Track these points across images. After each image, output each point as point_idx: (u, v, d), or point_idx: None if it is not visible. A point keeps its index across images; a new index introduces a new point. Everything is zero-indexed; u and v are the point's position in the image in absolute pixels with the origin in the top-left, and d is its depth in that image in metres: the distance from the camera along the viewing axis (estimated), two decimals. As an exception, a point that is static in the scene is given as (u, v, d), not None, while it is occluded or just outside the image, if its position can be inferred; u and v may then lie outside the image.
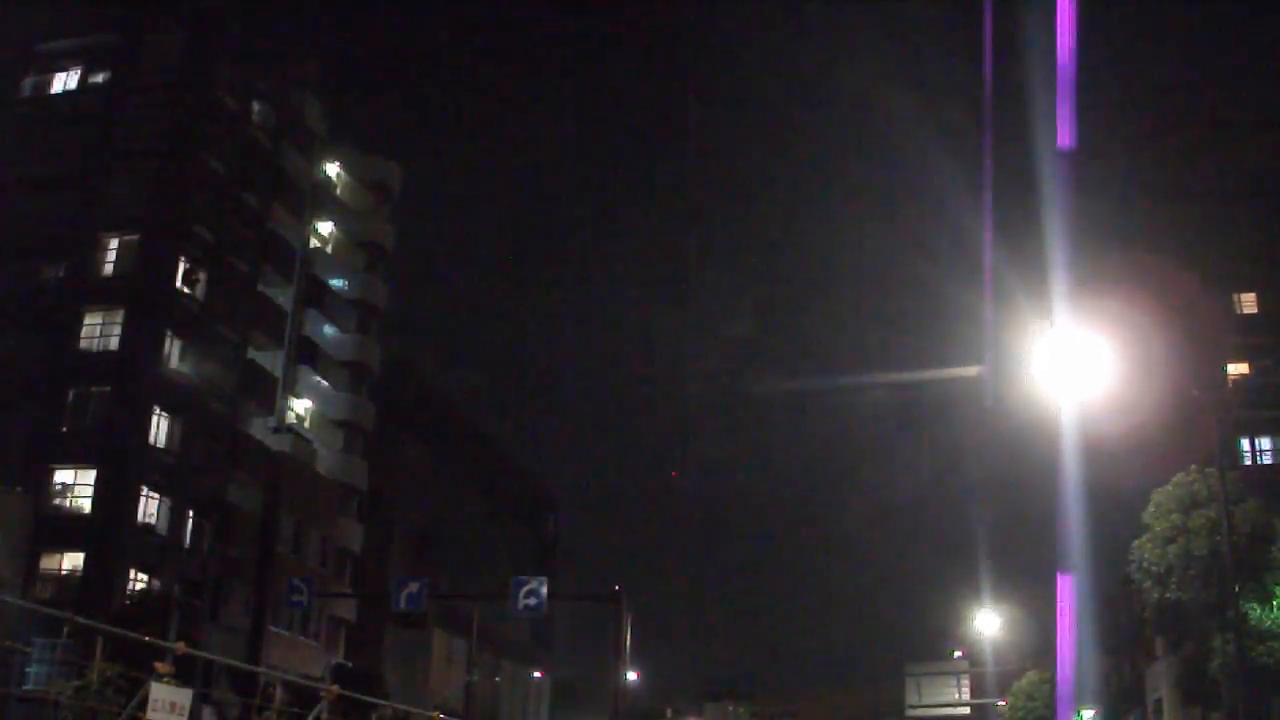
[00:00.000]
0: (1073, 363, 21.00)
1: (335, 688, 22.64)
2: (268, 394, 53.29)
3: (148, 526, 44.21)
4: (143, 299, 45.98)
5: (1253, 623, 31.48)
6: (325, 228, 60.77)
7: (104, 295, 46.29)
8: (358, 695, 26.25)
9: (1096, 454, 39.25)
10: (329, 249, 60.62)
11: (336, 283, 61.03)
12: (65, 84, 50.60)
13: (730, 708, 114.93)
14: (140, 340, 45.42)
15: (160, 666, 14.96)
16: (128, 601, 40.43)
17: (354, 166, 63.04)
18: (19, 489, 39.49)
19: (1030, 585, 58.29)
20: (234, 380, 50.15)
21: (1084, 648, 43.82)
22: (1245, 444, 46.68)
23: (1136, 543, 35.03)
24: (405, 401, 66.05)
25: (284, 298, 55.41)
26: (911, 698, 54.15)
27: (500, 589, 42.51)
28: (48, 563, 41.78)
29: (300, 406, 57.47)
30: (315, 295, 58.49)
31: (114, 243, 47.15)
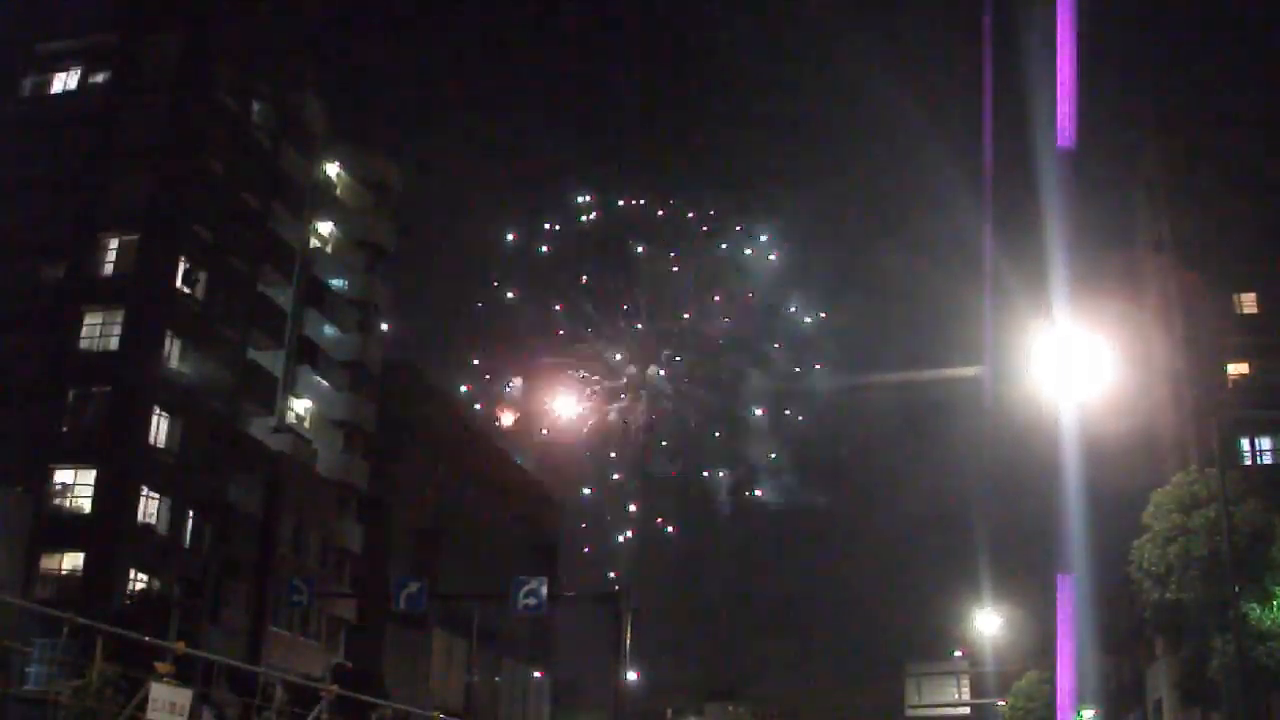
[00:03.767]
0: (1073, 363, 21.00)
1: (335, 688, 22.65)
2: (268, 394, 53.28)
3: (148, 526, 44.20)
4: (143, 299, 45.97)
5: (1253, 623, 31.48)
6: (325, 228, 60.77)
7: (104, 295, 46.28)
8: (358, 695, 26.25)
9: (1096, 454, 39.26)
10: (329, 249, 60.62)
11: (336, 283, 61.01)
12: (65, 84, 50.59)
13: (730, 708, 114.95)
14: (140, 340, 45.41)
15: (160, 666, 14.98)
16: (128, 601, 40.41)
17: (354, 166, 63.03)
18: (19, 489, 39.45)
19: (1030, 585, 58.26)
20: (234, 380, 50.14)
21: (1084, 648, 43.79)
22: (1245, 444, 46.63)
23: (1136, 543, 35.03)
24: (405, 401, 66.02)
25: (284, 298, 55.39)
26: (911, 698, 54.12)
27: (500, 589, 42.51)
28: (48, 563, 41.77)
29: (300, 406, 57.46)
30: (315, 295, 58.46)
31: (114, 243, 47.14)
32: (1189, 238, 49.26)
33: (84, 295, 46.21)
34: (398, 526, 63.41)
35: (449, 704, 54.50)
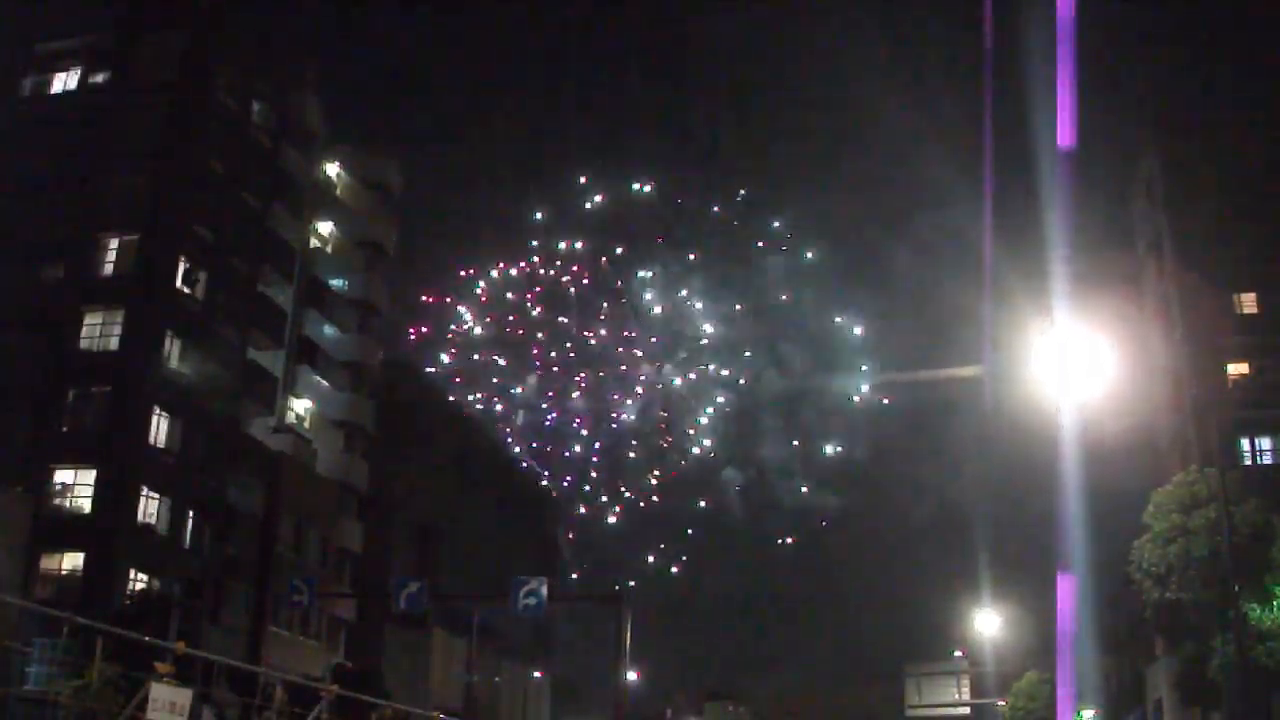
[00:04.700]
0: (1073, 363, 21.00)
1: (335, 688, 22.65)
2: (268, 394, 53.27)
3: (148, 526, 44.18)
4: (143, 299, 45.96)
5: (1253, 623, 31.49)
6: (325, 228, 60.77)
7: (104, 295, 46.26)
8: (358, 695, 26.25)
9: (1096, 454, 39.27)
10: (329, 249, 60.62)
11: (336, 283, 61.02)
12: (65, 84, 50.57)
13: (730, 708, 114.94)
14: (140, 340, 45.39)
15: (160, 666, 14.97)
16: (128, 601, 40.39)
17: (354, 166, 63.03)
18: (19, 489, 39.44)
19: (1030, 585, 58.25)
20: (234, 380, 50.13)
21: (1084, 648, 43.79)
22: (1245, 444, 46.62)
23: (1137, 543, 35.05)
24: (405, 401, 66.02)
25: (284, 298, 55.39)
26: (911, 698, 54.21)
27: (500, 589, 42.49)
28: (48, 563, 41.73)
29: (300, 406, 57.46)
30: (315, 295, 58.47)
31: (114, 243, 47.12)
32: (1189, 238, 49.23)
33: (84, 295, 46.18)
34: (398, 526, 63.40)
35: (449, 704, 54.48)
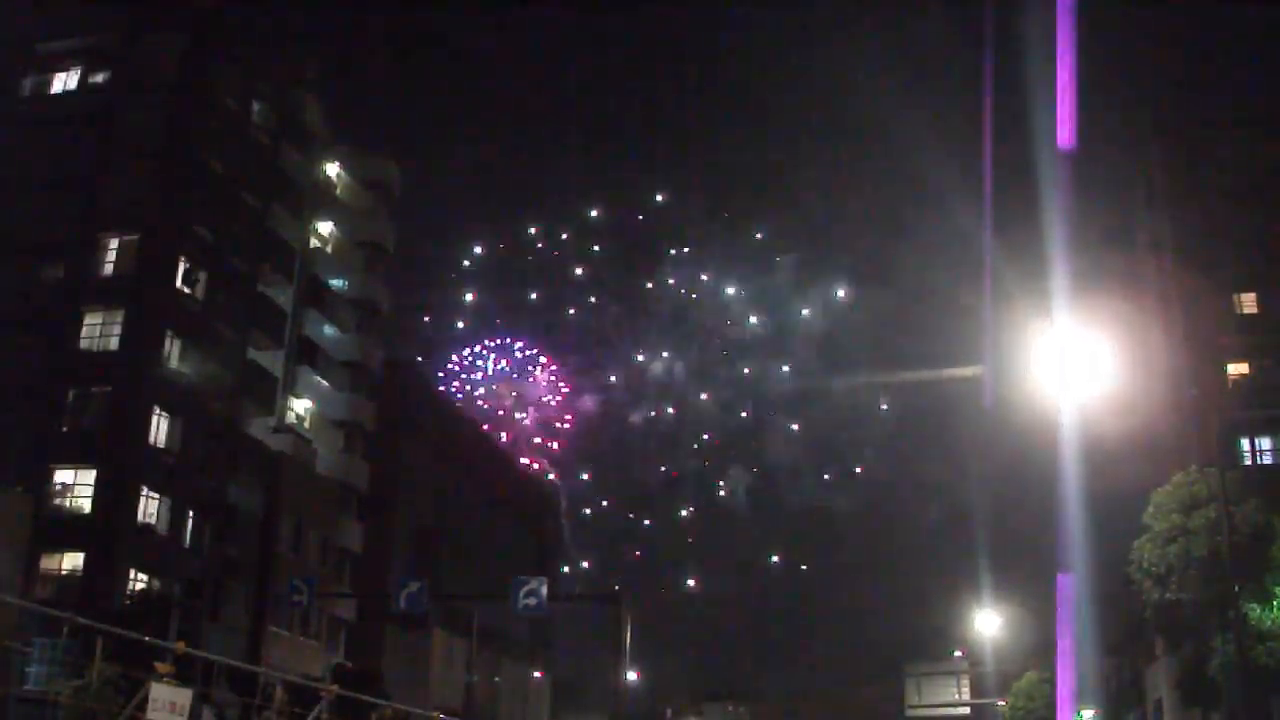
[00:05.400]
0: (1073, 363, 21.03)
1: (335, 688, 22.66)
2: (268, 394, 53.25)
3: (148, 526, 44.17)
4: (143, 299, 45.94)
5: (1253, 623, 31.49)
6: (325, 228, 60.75)
7: (104, 295, 46.22)
8: (358, 695, 26.24)
9: (1096, 454, 39.28)
10: (329, 249, 60.60)
11: (336, 283, 61.00)
12: (65, 84, 50.53)
13: (730, 708, 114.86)
14: (140, 340, 45.38)
15: (160, 666, 14.97)
16: (128, 601, 40.39)
17: (354, 166, 63.03)
18: (19, 489, 39.42)
19: (1030, 585, 58.23)
20: (234, 380, 50.12)
21: (1084, 648, 43.81)
22: (1245, 444, 46.61)
23: (1137, 543, 35.03)
24: (405, 401, 66.01)
25: (284, 298, 55.37)
26: (911, 698, 54.24)
27: (500, 589, 42.50)
28: (48, 563, 41.71)
29: (300, 406, 57.44)
30: (315, 295, 58.45)
31: (114, 243, 47.08)
32: (1189, 238, 49.22)
33: (84, 295, 46.15)
34: (398, 526, 63.39)
35: (449, 704, 54.49)
